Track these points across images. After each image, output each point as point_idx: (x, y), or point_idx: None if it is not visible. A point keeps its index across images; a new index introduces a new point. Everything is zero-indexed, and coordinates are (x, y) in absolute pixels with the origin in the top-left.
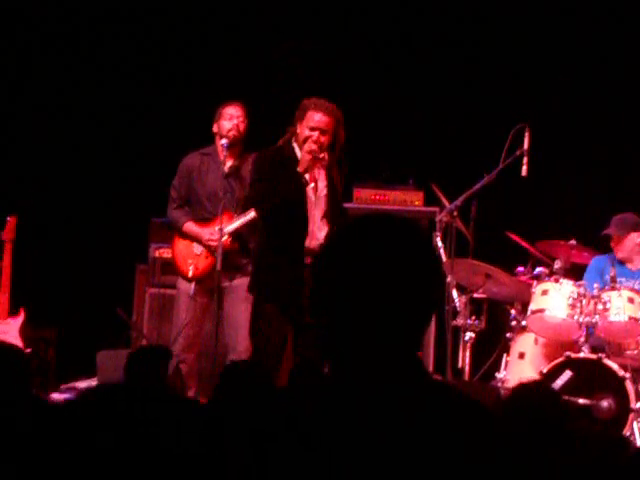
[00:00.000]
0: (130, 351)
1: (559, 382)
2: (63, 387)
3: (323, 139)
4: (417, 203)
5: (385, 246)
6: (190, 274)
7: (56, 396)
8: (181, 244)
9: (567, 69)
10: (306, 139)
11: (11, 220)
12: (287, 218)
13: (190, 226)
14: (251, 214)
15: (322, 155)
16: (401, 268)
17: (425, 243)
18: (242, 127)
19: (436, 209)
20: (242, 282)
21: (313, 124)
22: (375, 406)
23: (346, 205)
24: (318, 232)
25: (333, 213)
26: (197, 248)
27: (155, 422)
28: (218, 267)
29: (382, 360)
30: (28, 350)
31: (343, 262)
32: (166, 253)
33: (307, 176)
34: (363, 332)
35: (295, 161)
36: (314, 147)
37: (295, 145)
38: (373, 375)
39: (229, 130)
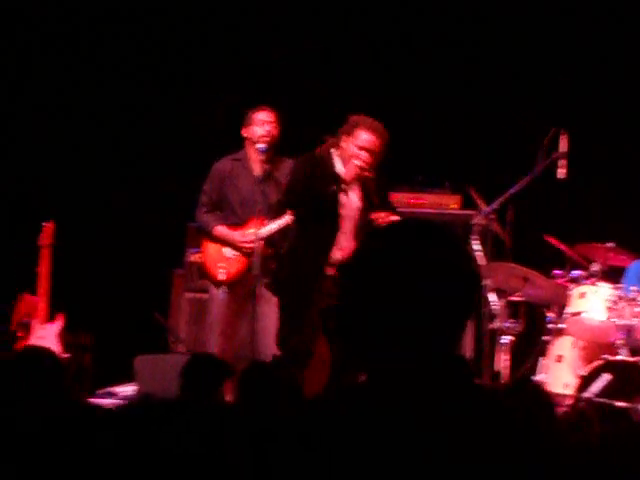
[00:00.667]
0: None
1: (597, 385)
2: (100, 392)
3: (370, 159)
4: (453, 206)
5: (421, 251)
6: (221, 277)
7: (93, 401)
8: (211, 248)
9: (607, 70)
10: (354, 156)
11: (48, 226)
12: (318, 223)
13: (222, 229)
14: (285, 219)
15: (369, 174)
16: (436, 273)
17: (460, 248)
18: (275, 132)
19: (473, 212)
20: None
21: (363, 144)
22: (415, 414)
23: None
24: (344, 244)
25: (363, 229)
26: (228, 252)
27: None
28: (255, 271)
29: (420, 366)
30: (66, 355)
31: (377, 268)
32: (201, 256)
33: (351, 196)
34: (399, 339)
35: (331, 173)
36: (363, 165)
37: (335, 157)
38: (411, 382)
39: (262, 136)
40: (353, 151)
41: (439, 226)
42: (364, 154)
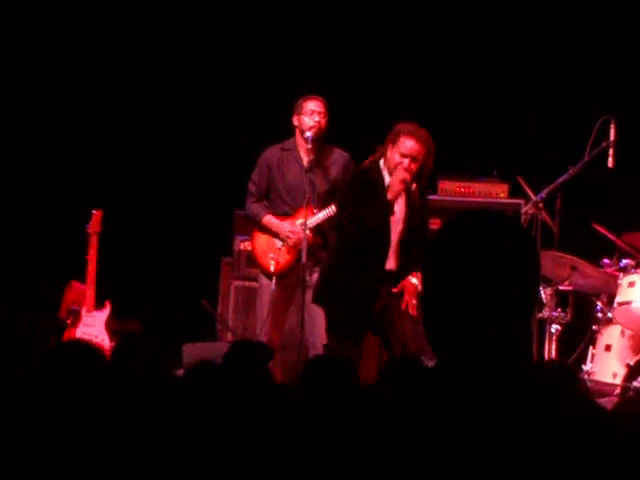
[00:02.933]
0: (232, 342)
1: None
2: None
3: (413, 166)
4: (502, 195)
5: (494, 241)
6: (272, 269)
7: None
8: (261, 238)
9: None
10: (397, 165)
11: (97, 214)
12: (371, 243)
13: (270, 219)
14: (332, 208)
15: (413, 185)
16: (510, 262)
17: (530, 238)
18: (323, 122)
19: (521, 201)
20: None
21: (405, 151)
22: (480, 400)
23: (431, 197)
24: (392, 255)
25: (409, 240)
26: (278, 242)
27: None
28: (304, 260)
29: (490, 352)
30: (114, 343)
31: (453, 257)
32: (251, 246)
33: (396, 207)
34: (472, 324)
35: (382, 185)
36: (407, 176)
37: (383, 167)
38: (481, 368)
39: (311, 127)
40: (396, 160)
41: (509, 216)
42: (406, 161)
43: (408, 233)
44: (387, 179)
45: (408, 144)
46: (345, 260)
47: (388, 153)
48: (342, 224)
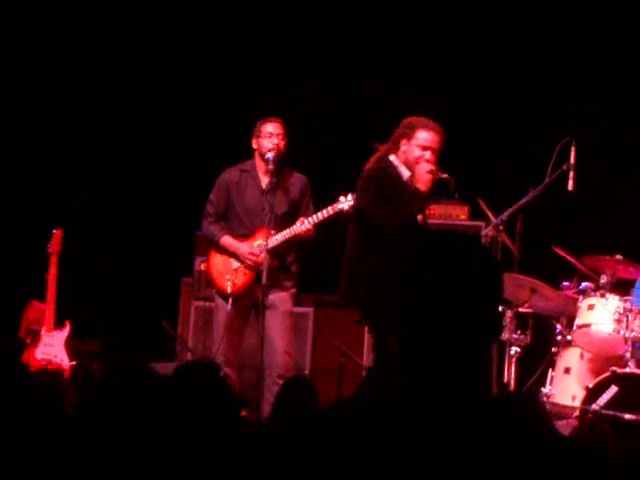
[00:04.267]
0: (177, 365)
1: (605, 397)
2: None
3: (433, 158)
4: (462, 217)
5: (458, 262)
6: (229, 290)
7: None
8: (217, 259)
9: (615, 82)
10: (418, 159)
11: (57, 233)
12: (409, 237)
13: (228, 240)
14: (292, 230)
15: (444, 175)
16: (473, 284)
17: (492, 259)
18: (282, 145)
19: (482, 223)
20: (280, 297)
21: (425, 143)
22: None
23: None
24: None
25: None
26: (235, 263)
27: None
28: (264, 281)
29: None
30: (73, 362)
31: (418, 278)
32: (207, 266)
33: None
34: (435, 343)
35: (401, 180)
36: (433, 167)
37: (398, 164)
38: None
39: (269, 150)
40: (416, 154)
41: (475, 240)
42: (428, 154)
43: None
44: (404, 174)
45: (427, 136)
46: (385, 261)
47: (403, 148)
48: (372, 227)
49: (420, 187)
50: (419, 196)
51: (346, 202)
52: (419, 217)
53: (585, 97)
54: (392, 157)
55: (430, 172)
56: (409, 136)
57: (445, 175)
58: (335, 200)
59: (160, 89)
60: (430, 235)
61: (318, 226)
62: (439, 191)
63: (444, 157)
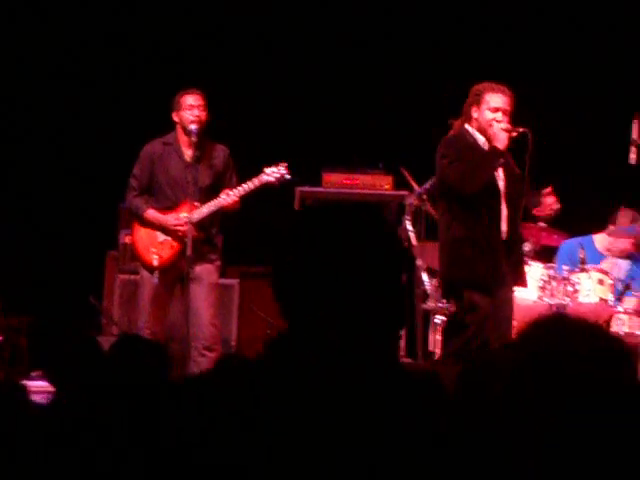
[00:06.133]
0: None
1: None
2: (34, 374)
3: (507, 119)
4: (386, 187)
5: (352, 234)
6: (155, 263)
7: (27, 383)
8: (142, 232)
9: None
10: (491, 121)
11: None
12: (486, 200)
13: (153, 213)
14: (215, 202)
15: (520, 129)
16: (364, 257)
17: (389, 232)
18: (203, 116)
19: (405, 193)
20: (205, 269)
21: (496, 105)
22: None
23: (315, 189)
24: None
25: (515, 197)
26: (160, 236)
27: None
28: (189, 252)
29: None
30: (0, 338)
31: (312, 249)
32: (131, 240)
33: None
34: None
35: (478, 146)
36: (508, 125)
37: (473, 131)
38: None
39: (191, 122)
40: (488, 117)
41: (369, 209)
42: (500, 114)
43: (514, 192)
44: (480, 140)
45: (497, 98)
46: (464, 233)
47: (475, 115)
48: (460, 181)
49: (498, 144)
50: (495, 153)
51: (271, 174)
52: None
53: (507, 66)
54: (467, 126)
55: (505, 129)
56: (478, 102)
57: (522, 129)
58: (260, 172)
59: (82, 62)
60: (312, 209)
61: (243, 198)
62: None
63: (370, 126)
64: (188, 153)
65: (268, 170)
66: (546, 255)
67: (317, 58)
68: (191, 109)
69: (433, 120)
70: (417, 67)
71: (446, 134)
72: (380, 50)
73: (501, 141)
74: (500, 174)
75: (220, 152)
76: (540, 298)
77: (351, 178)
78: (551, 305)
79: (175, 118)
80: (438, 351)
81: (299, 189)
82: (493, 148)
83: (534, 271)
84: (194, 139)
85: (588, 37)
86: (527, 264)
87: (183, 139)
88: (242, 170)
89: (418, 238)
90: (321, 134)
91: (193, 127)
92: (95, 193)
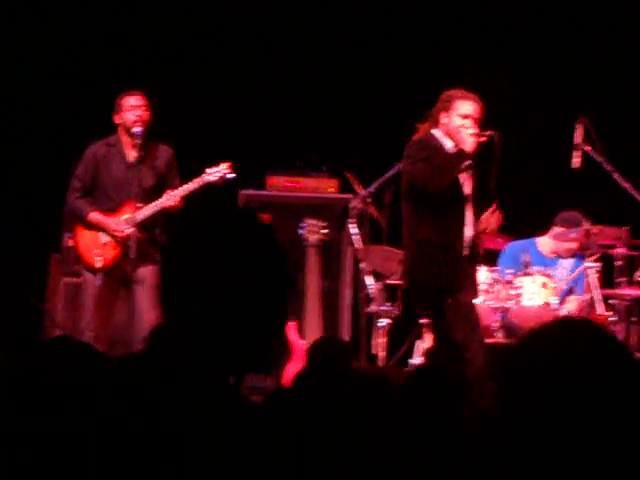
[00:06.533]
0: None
1: None
2: None
3: (475, 126)
4: (331, 190)
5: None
6: (98, 265)
7: None
8: (85, 234)
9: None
10: (460, 127)
11: None
12: (452, 203)
13: (95, 216)
14: (159, 203)
15: (488, 133)
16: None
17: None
18: (146, 116)
19: (350, 196)
20: (149, 270)
21: (466, 112)
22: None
23: (258, 192)
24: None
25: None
26: (103, 238)
27: None
28: (132, 255)
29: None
30: None
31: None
32: (74, 242)
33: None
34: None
35: (444, 149)
36: (476, 131)
37: (440, 135)
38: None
39: (134, 122)
40: (457, 123)
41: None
42: (469, 121)
43: (477, 195)
44: (447, 144)
45: (467, 106)
46: (428, 233)
47: (444, 120)
48: (425, 179)
49: (465, 147)
50: (461, 155)
51: (214, 174)
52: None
53: (452, 73)
54: (434, 130)
55: (474, 134)
56: (447, 108)
57: (489, 132)
58: (202, 172)
59: (20, 63)
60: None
61: (186, 198)
62: (307, 165)
63: (312, 131)
64: (131, 154)
65: (210, 170)
66: (490, 259)
67: (261, 61)
68: (133, 110)
69: (379, 123)
70: (364, 71)
71: (409, 137)
72: (323, 51)
73: (468, 144)
74: (465, 179)
75: (163, 152)
76: (484, 301)
77: (295, 181)
78: (495, 308)
79: (117, 120)
80: (382, 354)
81: (243, 192)
82: (460, 150)
83: (478, 274)
84: (138, 141)
85: (534, 39)
86: None
87: (126, 140)
88: (187, 173)
89: (362, 241)
90: (266, 137)
91: (137, 130)
92: (39, 197)
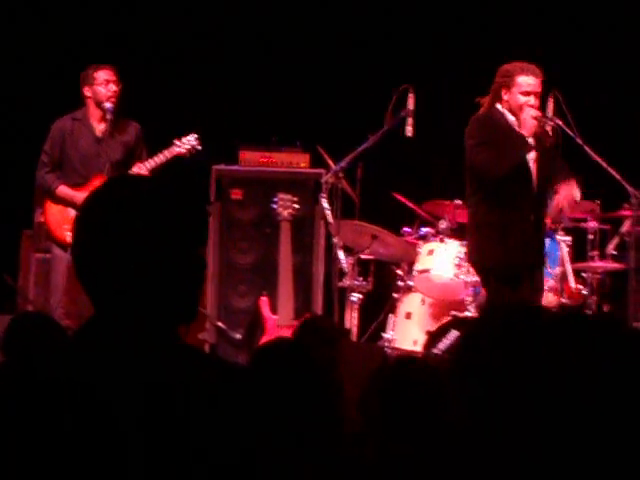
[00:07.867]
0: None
1: (445, 342)
2: None
3: (538, 102)
4: (303, 165)
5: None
6: (68, 240)
7: None
8: (54, 209)
9: (450, 29)
10: (522, 105)
11: None
12: (515, 182)
13: (65, 190)
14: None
15: (550, 122)
16: (157, 231)
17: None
18: (117, 91)
19: (322, 171)
20: None
21: (527, 88)
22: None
23: (231, 167)
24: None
25: (545, 178)
26: (72, 212)
27: None
28: None
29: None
30: None
31: (104, 224)
32: (43, 217)
33: (530, 140)
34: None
35: (508, 126)
36: (539, 113)
37: (504, 110)
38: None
39: (108, 97)
40: (520, 101)
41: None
42: (532, 99)
43: (545, 174)
44: (511, 119)
45: (527, 81)
46: (493, 215)
47: (505, 97)
48: (487, 167)
49: (524, 133)
50: (522, 142)
51: (182, 145)
52: None
53: (424, 44)
54: (498, 105)
55: (535, 118)
56: (508, 84)
57: (552, 123)
58: (170, 144)
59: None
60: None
61: (154, 170)
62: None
63: (286, 104)
64: (99, 128)
65: (178, 142)
66: (462, 233)
67: (236, 36)
68: (107, 84)
69: (350, 97)
70: (335, 45)
71: (474, 113)
72: (295, 26)
73: (529, 129)
74: (532, 156)
75: (132, 128)
76: (456, 275)
77: (268, 156)
78: (466, 282)
79: (87, 92)
80: (355, 329)
81: (215, 167)
82: (521, 137)
83: (450, 249)
84: (109, 116)
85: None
86: (443, 242)
87: (94, 114)
88: (159, 149)
89: (334, 216)
90: (238, 112)
91: (109, 105)
92: (10, 172)
